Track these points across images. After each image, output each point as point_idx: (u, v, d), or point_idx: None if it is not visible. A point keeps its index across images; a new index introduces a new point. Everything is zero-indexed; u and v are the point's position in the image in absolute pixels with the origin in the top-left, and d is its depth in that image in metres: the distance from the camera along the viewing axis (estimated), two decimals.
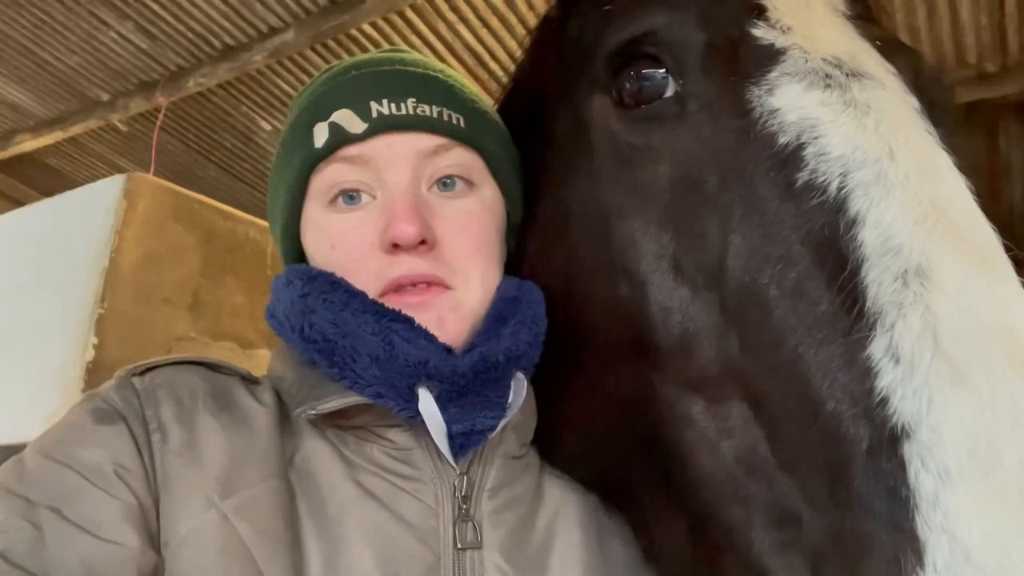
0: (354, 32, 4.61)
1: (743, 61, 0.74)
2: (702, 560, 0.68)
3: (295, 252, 0.89)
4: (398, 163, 0.80)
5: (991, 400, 0.51)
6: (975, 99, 4.71)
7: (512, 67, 4.35)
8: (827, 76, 0.71)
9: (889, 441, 0.53)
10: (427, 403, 0.74)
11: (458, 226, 0.81)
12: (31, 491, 0.65)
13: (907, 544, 0.50)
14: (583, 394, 0.84)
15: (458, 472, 0.76)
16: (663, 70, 0.76)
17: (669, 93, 0.76)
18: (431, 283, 0.79)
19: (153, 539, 0.67)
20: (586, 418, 0.85)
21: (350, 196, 0.81)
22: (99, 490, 0.66)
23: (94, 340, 1.57)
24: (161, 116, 5.15)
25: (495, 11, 4.41)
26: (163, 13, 4.61)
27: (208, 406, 0.76)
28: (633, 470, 0.78)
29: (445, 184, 0.83)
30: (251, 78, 5.14)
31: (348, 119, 0.81)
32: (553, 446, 0.91)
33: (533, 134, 0.95)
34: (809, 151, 0.67)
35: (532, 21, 4.20)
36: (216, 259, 1.86)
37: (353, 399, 0.75)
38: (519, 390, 0.79)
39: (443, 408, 0.74)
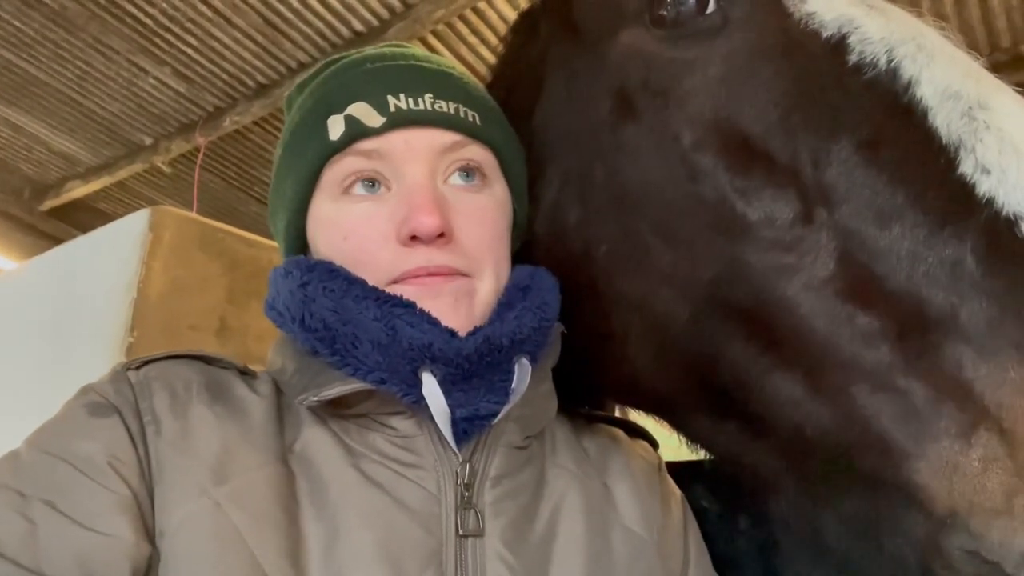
0: None
1: None
2: (825, 403, 0.69)
3: (296, 248, 0.88)
4: (415, 158, 0.80)
5: None
6: (1014, 82, 4.59)
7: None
8: None
9: (1005, 228, 0.62)
10: (431, 386, 0.73)
11: (474, 220, 0.81)
12: (24, 485, 0.65)
13: None
14: (652, 296, 0.84)
15: (461, 460, 0.76)
16: None
17: (711, 9, 0.82)
18: (448, 273, 0.79)
19: (148, 531, 0.67)
20: (660, 318, 0.83)
21: (370, 183, 0.81)
22: (93, 482, 0.66)
23: None
24: (201, 156, 5.35)
25: None
26: (198, 57, 4.80)
27: (202, 397, 0.76)
28: (724, 349, 0.78)
29: (466, 175, 0.83)
30: (283, 112, 5.29)
31: (365, 112, 0.81)
32: (614, 371, 0.92)
33: (520, 115, 0.97)
34: (853, 38, 0.75)
35: None
36: (241, 285, 1.92)
37: (355, 385, 0.74)
38: (523, 375, 0.78)
39: (447, 393, 0.74)
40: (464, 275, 0.79)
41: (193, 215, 1.88)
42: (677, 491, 0.94)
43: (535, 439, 0.85)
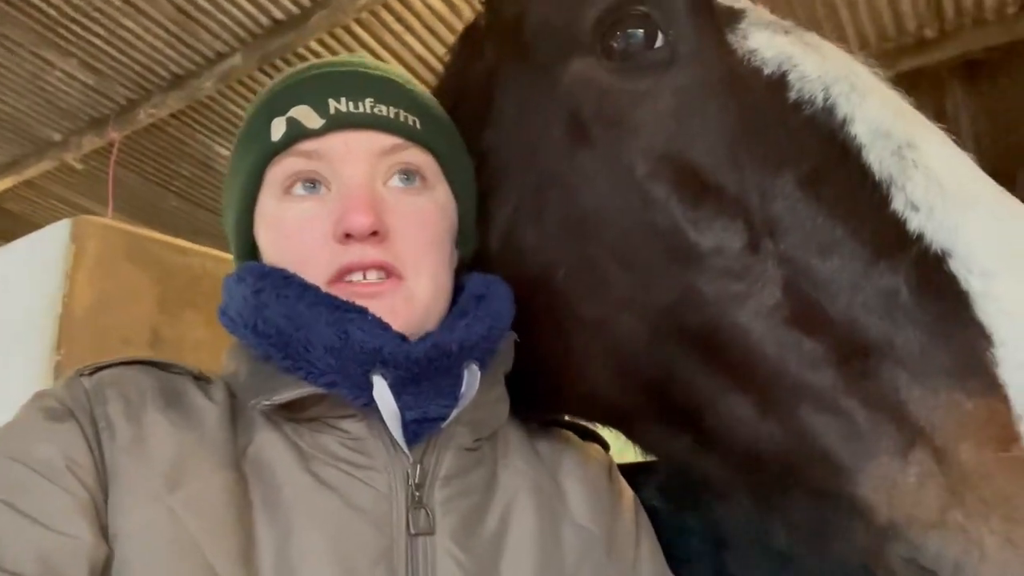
0: (301, 50, 4.60)
1: (716, 16, 0.87)
2: (773, 422, 0.74)
3: (247, 248, 0.90)
4: (353, 159, 0.82)
5: (999, 214, 0.66)
6: (919, 65, 4.82)
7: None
8: (781, 27, 0.86)
9: (933, 263, 0.66)
10: (381, 389, 0.75)
11: (410, 221, 0.83)
12: None
13: (973, 332, 0.62)
14: (609, 320, 0.87)
15: (411, 461, 0.78)
16: (648, 27, 0.87)
17: (659, 43, 0.86)
18: (385, 271, 0.81)
19: (105, 532, 0.68)
20: (616, 341, 0.87)
21: (310, 184, 0.83)
22: (52, 484, 0.67)
23: None
24: (115, 151, 5.12)
25: (441, 18, 4.43)
26: (106, 47, 4.57)
27: (156, 403, 0.77)
28: (678, 371, 0.82)
29: (405, 177, 0.85)
30: (203, 105, 5.12)
31: (306, 114, 0.83)
32: (574, 388, 0.96)
33: (471, 129, 0.99)
34: (792, 76, 0.80)
35: None
36: (173, 295, 1.86)
37: (307, 389, 0.76)
38: (471, 381, 0.80)
39: (397, 396, 0.76)
40: (398, 275, 0.81)
41: (118, 224, 1.81)
42: (629, 491, 0.97)
43: (487, 442, 0.87)
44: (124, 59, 4.68)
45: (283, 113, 0.84)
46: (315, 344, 0.76)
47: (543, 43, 0.97)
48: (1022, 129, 5.75)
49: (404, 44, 4.61)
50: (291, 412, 0.78)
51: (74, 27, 4.40)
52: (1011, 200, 0.69)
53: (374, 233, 0.80)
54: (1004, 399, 0.58)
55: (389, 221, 0.81)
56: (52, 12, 4.28)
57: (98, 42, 4.53)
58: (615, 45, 0.87)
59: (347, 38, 4.55)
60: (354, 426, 0.78)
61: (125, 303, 1.75)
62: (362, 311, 0.78)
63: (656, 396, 0.86)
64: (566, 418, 1.04)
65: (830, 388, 0.69)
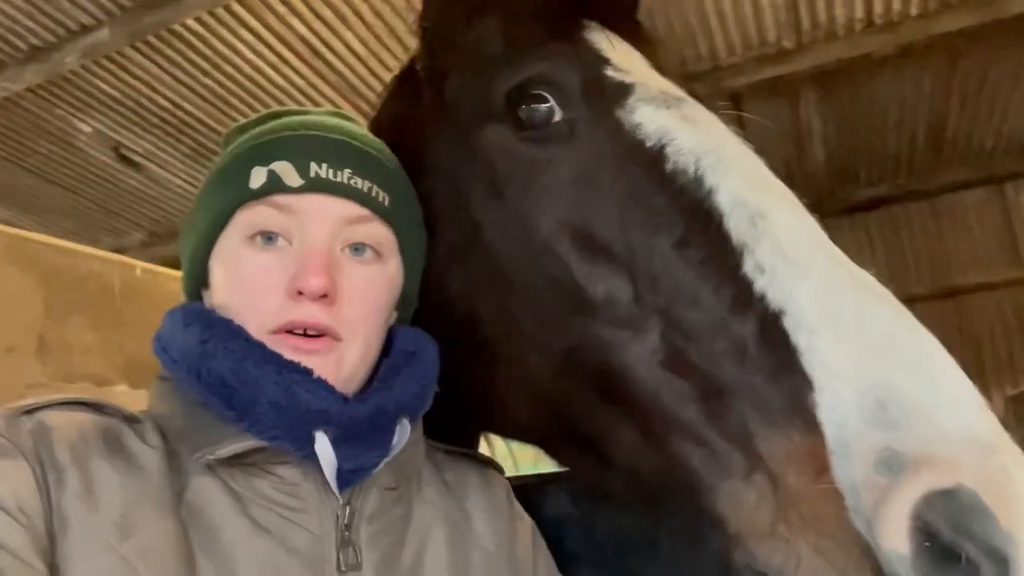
0: (177, 28, 4.40)
1: (607, 92, 0.99)
2: (653, 447, 0.86)
3: (197, 275, 0.94)
4: (322, 221, 0.87)
5: (825, 279, 0.78)
6: (778, 74, 5.21)
7: (350, 59, 4.31)
8: (664, 101, 0.97)
9: (772, 320, 0.78)
10: (323, 445, 0.81)
11: (358, 290, 0.89)
12: None
13: (799, 380, 0.74)
14: (522, 365, 0.98)
15: (341, 503, 0.84)
16: (551, 102, 0.98)
17: (558, 118, 0.98)
18: (323, 334, 0.86)
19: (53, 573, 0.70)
20: (530, 382, 0.98)
21: (268, 237, 0.87)
22: (9, 518, 0.68)
23: None
24: None
25: (327, 2, 4.35)
26: None
27: (100, 449, 0.79)
28: (579, 407, 0.94)
29: (356, 249, 0.90)
30: (65, 79, 4.78)
31: (287, 171, 0.88)
32: (497, 414, 1.09)
33: (408, 171, 1.06)
34: (669, 149, 0.92)
35: (365, 11, 4.18)
36: (59, 298, 1.79)
37: (251, 443, 0.80)
38: (403, 433, 0.88)
39: (335, 448, 0.82)
40: (336, 338, 0.87)
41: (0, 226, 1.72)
42: (526, 515, 1.08)
43: (403, 479, 0.94)
44: None
45: (265, 164, 0.89)
46: (260, 401, 0.80)
47: (463, 107, 1.07)
48: (864, 134, 6.35)
49: (288, 26, 4.50)
50: (228, 458, 0.81)
51: None
52: (841, 267, 0.79)
53: (324, 295, 0.85)
54: (820, 435, 0.71)
55: (340, 284, 0.87)
56: None
57: None
58: (522, 117, 0.99)
59: (227, 18, 4.38)
60: (289, 472, 0.83)
61: (9, 308, 1.68)
62: (307, 372, 0.83)
63: (563, 423, 0.98)
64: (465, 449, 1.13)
65: (694, 421, 0.82)
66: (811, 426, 0.72)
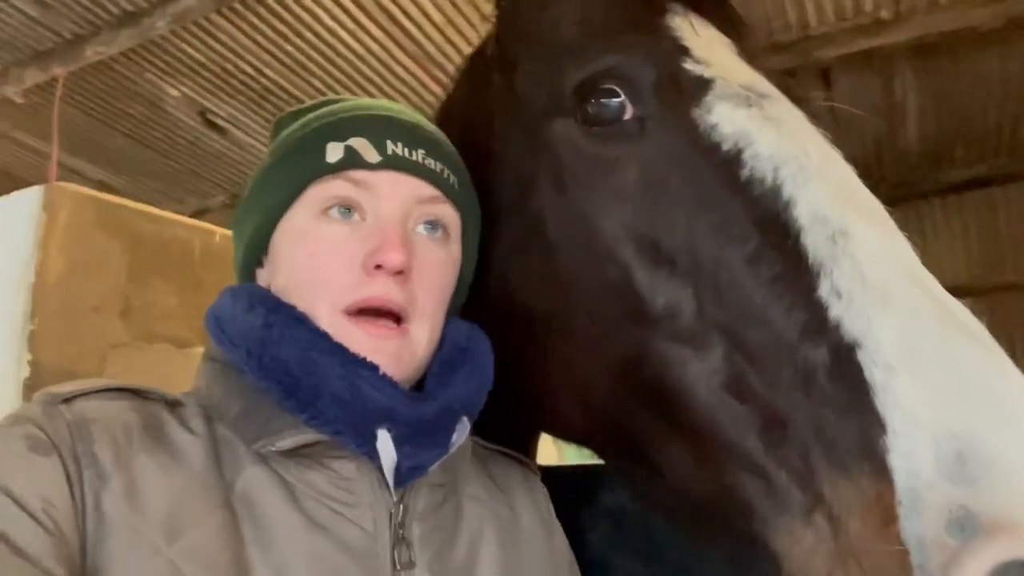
0: None
1: (683, 88, 0.92)
2: (705, 473, 0.82)
3: (256, 253, 0.93)
4: (397, 199, 0.87)
5: (909, 312, 0.71)
6: (873, 46, 4.94)
7: (427, 27, 4.32)
8: (746, 98, 0.90)
9: (845, 352, 0.72)
10: (385, 443, 0.80)
11: (429, 267, 0.89)
12: None
13: (872, 420, 0.68)
14: (577, 367, 0.95)
15: (395, 500, 0.83)
16: (622, 98, 0.92)
17: (628, 116, 0.93)
18: (396, 317, 0.85)
19: None
20: (584, 386, 0.95)
21: (347, 209, 0.87)
22: (32, 521, 0.66)
23: (29, 357, 1.57)
24: (60, 87, 4.91)
25: None
26: None
27: (144, 444, 0.77)
28: (633, 418, 0.90)
29: (432, 226, 0.91)
30: (155, 44, 4.93)
31: (364, 147, 0.88)
32: (548, 418, 1.06)
33: (477, 158, 1.04)
34: (746, 154, 0.85)
35: None
36: (143, 263, 1.86)
37: (313, 436, 0.79)
38: (463, 432, 0.87)
39: (397, 446, 0.81)
40: (406, 319, 0.86)
41: (89, 191, 1.80)
42: (557, 520, 1.06)
43: (451, 476, 0.93)
44: None
45: (341, 140, 0.88)
46: (323, 392, 0.79)
47: (532, 97, 1.02)
48: (963, 111, 5.98)
49: None
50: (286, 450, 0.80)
51: None
52: (930, 297, 0.72)
53: (400, 272, 0.84)
54: (890, 482, 0.65)
55: (413, 263, 0.86)
56: None
57: None
58: (591, 112, 0.94)
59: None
60: (344, 467, 0.82)
61: (96, 272, 1.75)
62: (373, 368, 0.81)
63: (616, 431, 0.95)
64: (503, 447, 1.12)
65: (753, 450, 0.77)
66: (881, 472, 0.67)
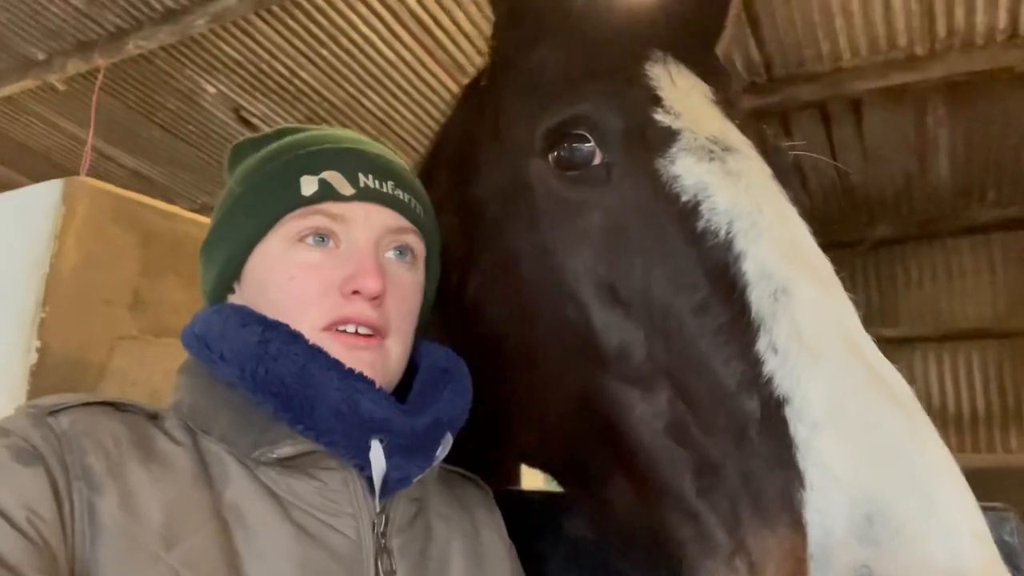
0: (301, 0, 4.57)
1: (650, 139, 0.95)
2: (645, 509, 0.86)
3: (229, 279, 0.95)
4: (370, 228, 0.92)
5: (839, 373, 0.72)
6: (905, 81, 4.91)
7: (459, 37, 4.37)
8: (710, 151, 0.93)
9: (775, 406, 0.74)
10: (377, 453, 0.84)
11: (401, 291, 0.94)
12: None
13: (793, 475, 0.70)
14: (537, 397, 0.99)
15: (377, 511, 0.86)
16: (591, 144, 0.96)
17: (597, 161, 0.96)
18: (373, 331, 0.90)
19: None
20: (542, 415, 0.99)
21: (321, 237, 0.90)
22: (14, 531, 0.66)
23: (37, 344, 1.63)
24: (100, 77, 5.06)
25: None
26: None
27: (134, 454, 0.78)
28: (584, 450, 0.94)
29: (401, 252, 0.95)
30: (194, 41, 5.06)
31: (338, 180, 0.92)
32: (513, 442, 1.09)
33: (465, 185, 1.09)
34: (704, 207, 0.88)
35: None
36: (156, 258, 1.91)
37: (309, 446, 0.82)
38: (446, 446, 0.91)
39: (387, 457, 0.85)
40: (381, 335, 0.90)
41: (107, 186, 1.85)
42: (510, 540, 1.08)
43: (423, 492, 0.97)
44: None
45: (315, 173, 0.92)
46: (320, 405, 0.82)
47: (514, 134, 1.06)
48: (995, 150, 5.90)
49: (402, 2, 4.59)
50: (273, 460, 0.82)
51: None
52: (861, 359, 0.73)
53: (376, 296, 0.89)
54: (804, 536, 0.67)
55: (387, 287, 0.91)
56: None
57: None
58: (562, 155, 0.97)
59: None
60: (331, 477, 0.85)
61: (110, 264, 1.80)
62: (370, 382, 0.85)
63: (569, 459, 0.99)
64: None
65: (687, 492, 0.80)
66: (796, 524, 0.68)
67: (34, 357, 1.61)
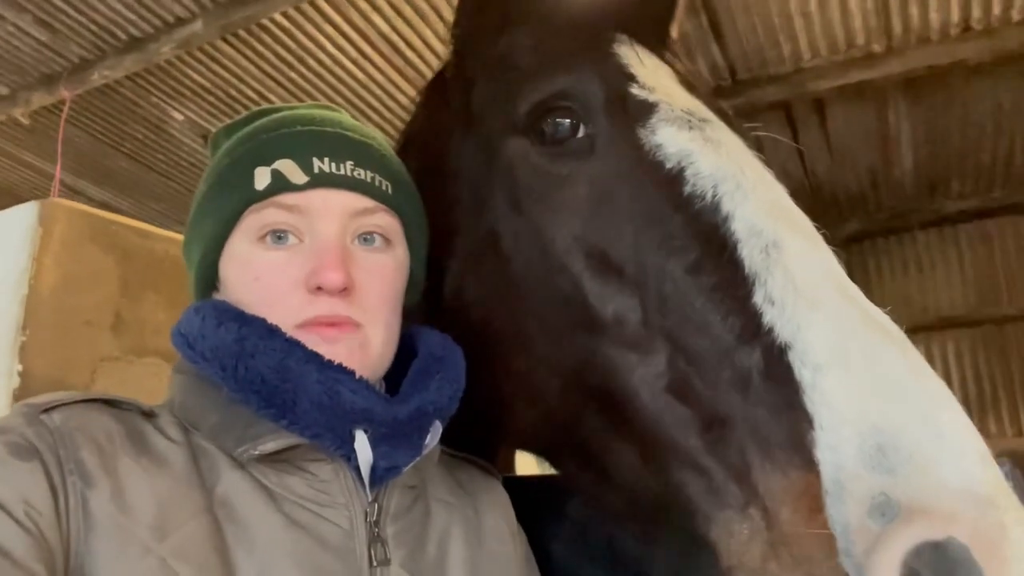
0: (265, 22, 4.57)
1: (630, 110, 0.98)
2: (652, 472, 0.87)
3: (209, 278, 0.94)
4: (330, 216, 0.88)
5: (836, 316, 0.76)
6: (866, 78, 5.03)
7: (428, 56, 4.39)
8: (688, 122, 0.96)
9: (778, 354, 0.77)
10: (362, 443, 0.84)
11: (373, 277, 0.90)
12: None
13: (801, 416, 0.73)
14: (532, 375, 0.99)
15: (370, 500, 0.86)
16: (572, 119, 0.98)
17: (581, 134, 0.98)
18: (345, 324, 0.88)
19: None
20: (538, 393, 0.99)
21: (278, 236, 0.88)
22: (14, 523, 0.67)
23: (19, 367, 1.60)
24: (66, 109, 5.01)
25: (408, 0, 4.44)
26: (63, 6, 4.47)
27: (127, 450, 0.78)
28: (585, 422, 0.94)
29: (366, 239, 0.92)
30: (160, 69, 5.04)
31: (290, 169, 0.88)
32: (507, 427, 1.09)
33: (435, 176, 1.08)
34: (688, 172, 0.91)
35: (445, 8, 4.25)
36: (135, 277, 1.90)
37: (293, 439, 0.81)
38: (435, 435, 0.90)
39: (373, 446, 0.84)
40: (358, 325, 0.88)
41: (83, 207, 1.84)
42: (519, 526, 1.09)
43: (420, 478, 0.96)
44: (81, 19, 4.58)
45: (267, 164, 0.89)
46: (302, 399, 0.81)
47: (488, 116, 1.07)
48: (956, 143, 6.05)
49: (370, 23, 4.62)
50: (263, 455, 0.82)
51: None
52: (853, 303, 0.77)
53: (344, 288, 0.86)
54: (817, 474, 0.70)
55: (355, 275, 0.88)
56: None
57: (55, 0, 4.42)
58: (545, 131, 0.99)
59: (312, 13, 4.52)
60: (321, 469, 0.85)
61: (89, 285, 1.79)
62: (350, 373, 0.84)
63: (567, 437, 0.99)
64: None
65: (694, 448, 0.82)
66: (808, 464, 0.71)
67: (16, 381, 1.59)
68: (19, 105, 5.30)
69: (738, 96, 5.26)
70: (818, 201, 6.96)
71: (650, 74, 1.02)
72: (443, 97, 1.19)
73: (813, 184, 6.70)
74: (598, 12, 1.08)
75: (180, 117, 5.63)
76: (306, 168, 0.89)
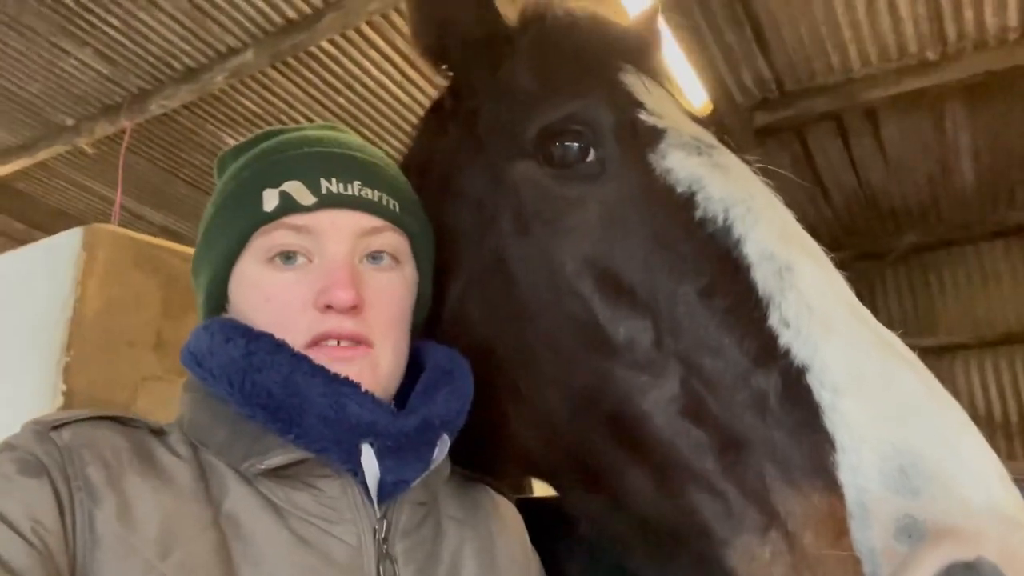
0: (313, 50, 4.70)
1: (640, 136, 0.99)
2: (665, 495, 0.86)
3: (217, 300, 0.95)
4: (339, 237, 0.89)
5: (851, 338, 0.76)
6: (920, 86, 4.88)
7: None
8: (697, 147, 0.97)
9: (796, 376, 0.76)
10: (368, 457, 0.83)
11: (383, 296, 0.90)
12: None
13: (822, 439, 0.72)
14: (540, 398, 0.97)
15: (378, 516, 0.85)
16: (582, 143, 0.98)
17: (591, 158, 0.98)
18: (357, 341, 0.88)
19: None
20: (546, 416, 0.97)
21: (288, 257, 0.88)
22: (20, 539, 0.68)
23: (63, 387, 1.66)
24: (127, 138, 5.22)
25: None
26: (121, 39, 4.68)
27: (134, 466, 0.79)
28: (595, 446, 0.92)
29: (375, 258, 0.92)
30: (214, 98, 5.22)
31: (298, 191, 0.89)
32: (514, 451, 1.06)
33: (435, 199, 1.08)
34: (699, 196, 0.91)
35: None
36: (177, 299, 1.95)
37: (300, 454, 0.81)
38: (443, 449, 0.88)
39: (380, 460, 0.83)
40: (367, 344, 0.88)
41: (127, 232, 1.90)
42: (531, 546, 1.07)
43: (431, 495, 0.95)
44: (139, 51, 4.79)
45: (275, 186, 0.90)
46: (308, 413, 0.81)
47: (494, 140, 1.07)
48: (1018, 149, 5.81)
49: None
50: (269, 470, 0.82)
51: (91, 18, 4.51)
52: (867, 326, 0.77)
53: (353, 307, 0.86)
54: (840, 497, 0.68)
55: (364, 294, 0.88)
56: (70, 3, 4.38)
57: (114, 33, 4.63)
58: (555, 154, 0.99)
59: (358, 39, 4.63)
60: (328, 485, 0.84)
61: (132, 308, 1.84)
62: (355, 386, 0.84)
63: (576, 461, 0.97)
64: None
65: (710, 472, 0.80)
66: (831, 487, 0.70)
67: (60, 400, 1.64)
68: (83, 135, 5.55)
69: (787, 108, 5.18)
70: (874, 212, 6.78)
71: (657, 102, 1.02)
72: (441, 127, 1.19)
73: (867, 195, 6.52)
74: (601, 41, 1.09)
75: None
76: (314, 189, 0.90)
